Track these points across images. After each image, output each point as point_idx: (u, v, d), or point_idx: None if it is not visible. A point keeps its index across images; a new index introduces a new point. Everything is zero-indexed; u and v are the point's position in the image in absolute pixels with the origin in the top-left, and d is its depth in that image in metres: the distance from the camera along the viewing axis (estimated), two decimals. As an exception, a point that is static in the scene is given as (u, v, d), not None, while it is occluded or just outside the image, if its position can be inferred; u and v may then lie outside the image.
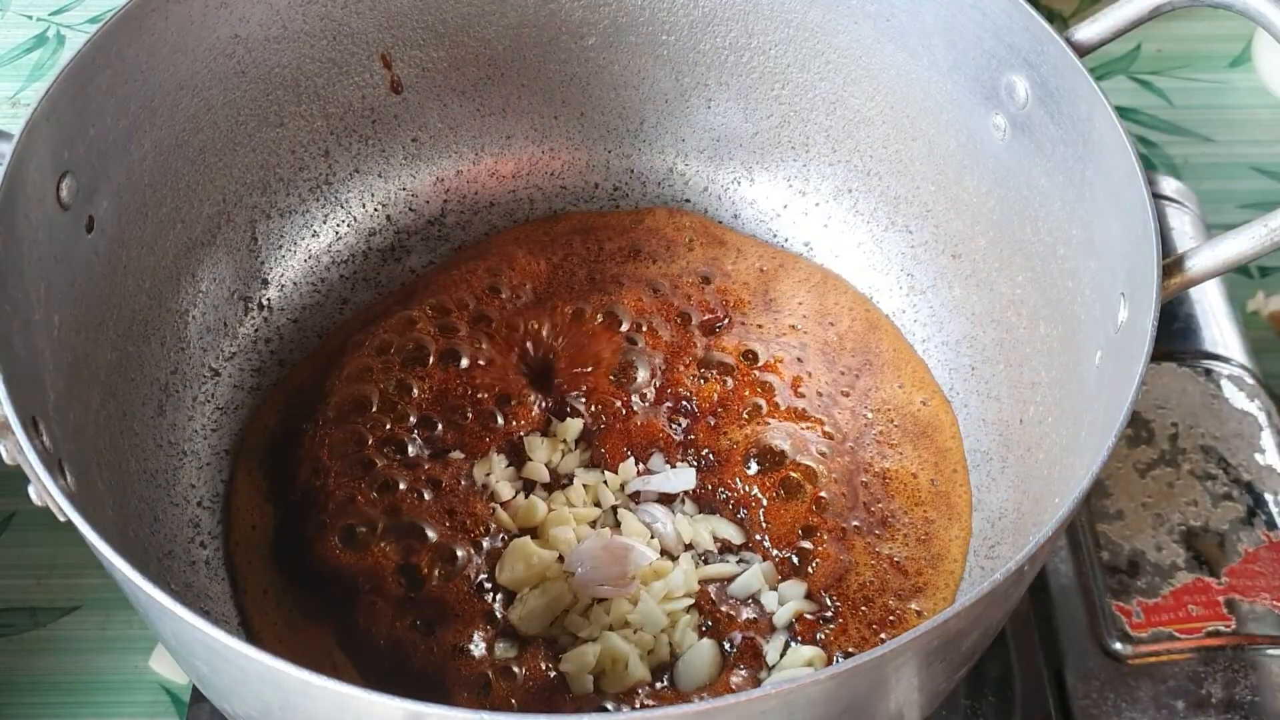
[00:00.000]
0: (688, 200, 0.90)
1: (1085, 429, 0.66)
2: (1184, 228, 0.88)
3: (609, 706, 0.67)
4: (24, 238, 0.63)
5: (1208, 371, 0.82)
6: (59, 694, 0.77)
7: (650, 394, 0.80)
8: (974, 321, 0.80)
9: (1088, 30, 0.70)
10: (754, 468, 0.76)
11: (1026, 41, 0.71)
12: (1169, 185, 0.90)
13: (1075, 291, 0.70)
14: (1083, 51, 0.69)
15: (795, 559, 0.73)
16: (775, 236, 0.88)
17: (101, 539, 0.52)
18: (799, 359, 0.81)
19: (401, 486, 0.75)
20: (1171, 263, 0.62)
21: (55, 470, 0.57)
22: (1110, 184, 0.66)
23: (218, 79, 0.78)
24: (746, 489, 0.76)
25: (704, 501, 0.76)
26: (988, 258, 0.79)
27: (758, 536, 0.74)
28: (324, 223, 0.86)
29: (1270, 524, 0.75)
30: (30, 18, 1.15)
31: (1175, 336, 0.83)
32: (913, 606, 0.72)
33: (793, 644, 0.70)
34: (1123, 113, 1.06)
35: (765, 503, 0.75)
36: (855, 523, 0.75)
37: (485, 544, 0.73)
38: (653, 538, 0.74)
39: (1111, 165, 0.66)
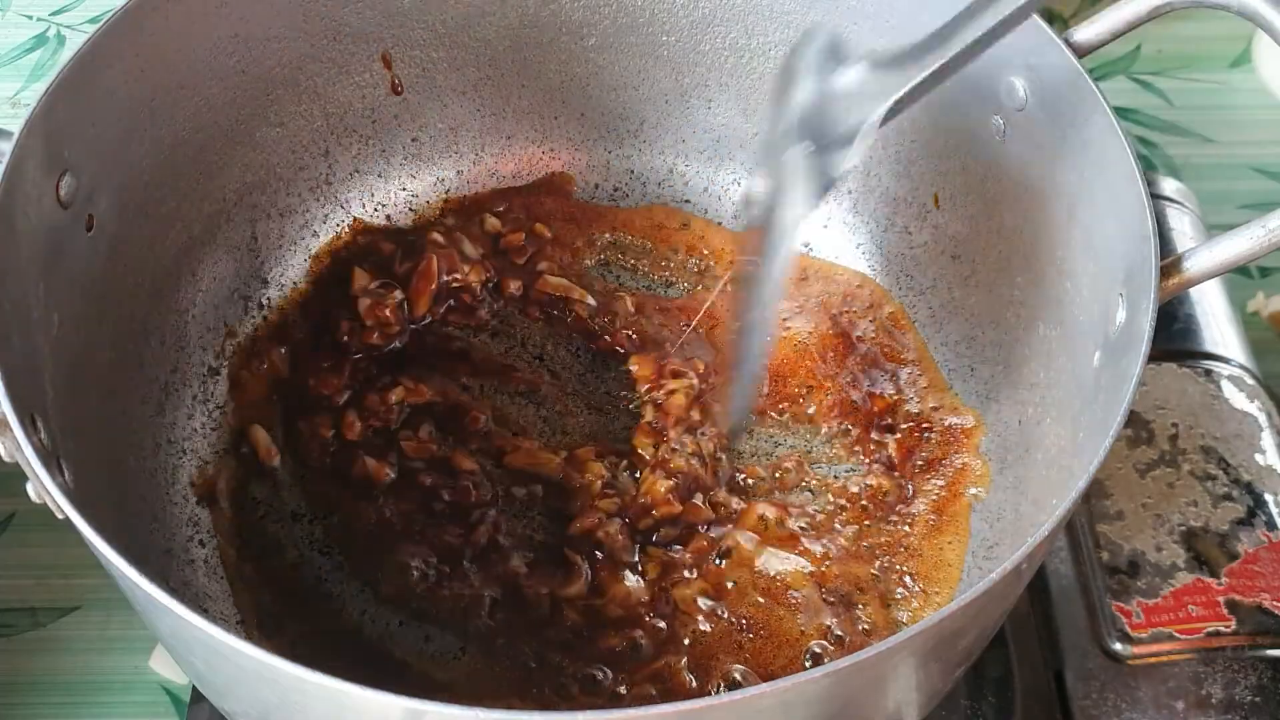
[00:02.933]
0: (688, 200, 0.90)
1: (1083, 430, 0.66)
2: (1184, 228, 0.88)
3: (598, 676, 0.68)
4: (23, 236, 0.63)
5: (1208, 372, 0.82)
6: (59, 694, 0.77)
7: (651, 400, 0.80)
8: (973, 322, 0.80)
9: (1087, 31, 0.70)
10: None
11: (1025, 43, 0.70)
12: (1169, 186, 0.90)
13: (1074, 292, 0.70)
14: (1082, 52, 0.69)
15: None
16: (775, 237, 0.88)
17: (99, 535, 0.52)
18: (797, 361, 0.82)
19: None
20: (1169, 263, 0.62)
21: (53, 467, 0.57)
22: (1109, 185, 0.66)
23: (218, 78, 0.78)
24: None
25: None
26: (987, 259, 0.79)
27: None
28: (324, 222, 0.86)
29: (1270, 524, 0.75)
30: (30, 18, 1.15)
31: (1175, 337, 0.83)
32: (911, 606, 0.72)
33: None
34: (1123, 113, 1.06)
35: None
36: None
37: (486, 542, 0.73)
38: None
39: (1110, 166, 0.66)
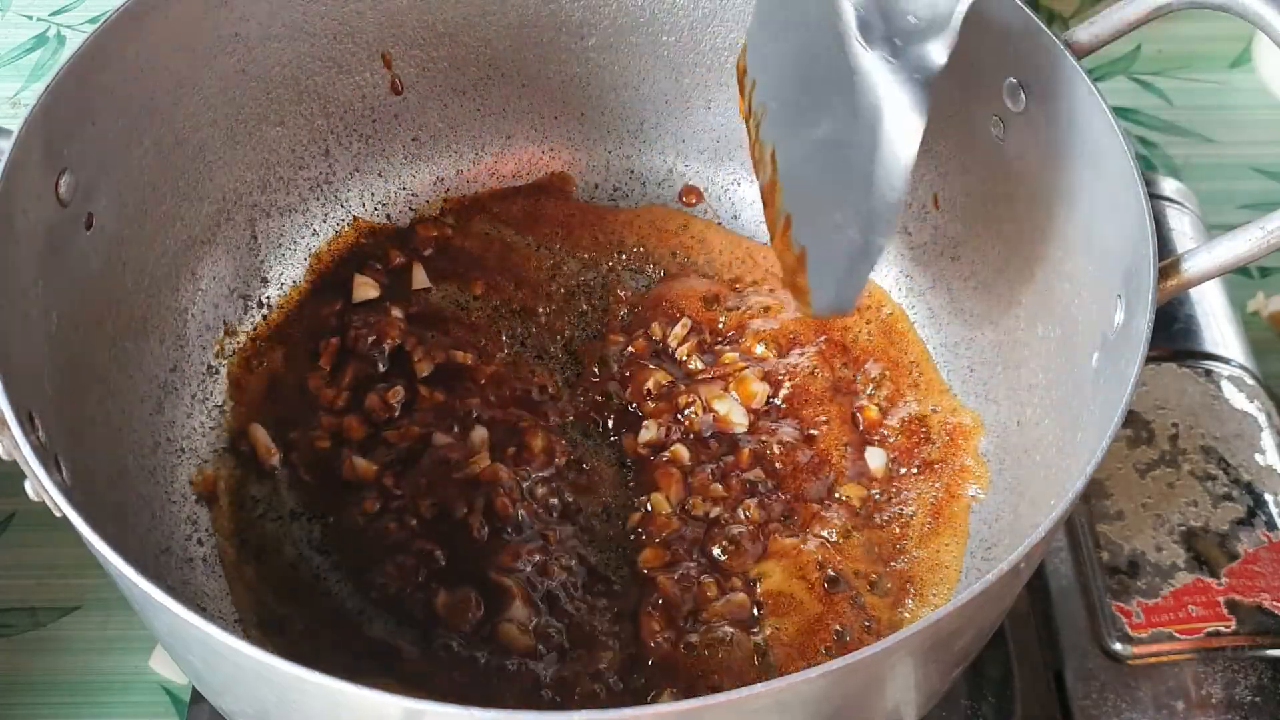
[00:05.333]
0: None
1: (1082, 431, 0.66)
2: (1184, 229, 0.88)
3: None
4: (22, 234, 0.63)
5: (1208, 372, 0.81)
6: (59, 694, 0.77)
7: (651, 405, 0.80)
8: (972, 323, 0.80)
9: (1086, 32, 0.70)
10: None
11: (1025, 44, 0.71)
12: (1169, 186, 0.90)
13: (1073, 293, 0.70)
14: (1081, 53, 0.69)
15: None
16: (775, 237, 0.88)
17: (96, 533, 0.52)
18: (798, 361, 0.82)
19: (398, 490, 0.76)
20: (1168, 265, 0.62)
21: (51, 465, 0.58)
22: (1108, 186, 0.66)
23: (218, 77, 0.78)
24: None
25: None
26: (986, 260, 0.79)
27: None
28: (324, 221, 0.86)
29: (1270, 524, 0.75)
30: (30, 18, 1.15)
31: (1175, 337, 0.83)
32: (909, 606, 0.72)
33: None
34: (1123, 113, 1.06)
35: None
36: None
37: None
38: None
39: (1109, 168, 0.66)
